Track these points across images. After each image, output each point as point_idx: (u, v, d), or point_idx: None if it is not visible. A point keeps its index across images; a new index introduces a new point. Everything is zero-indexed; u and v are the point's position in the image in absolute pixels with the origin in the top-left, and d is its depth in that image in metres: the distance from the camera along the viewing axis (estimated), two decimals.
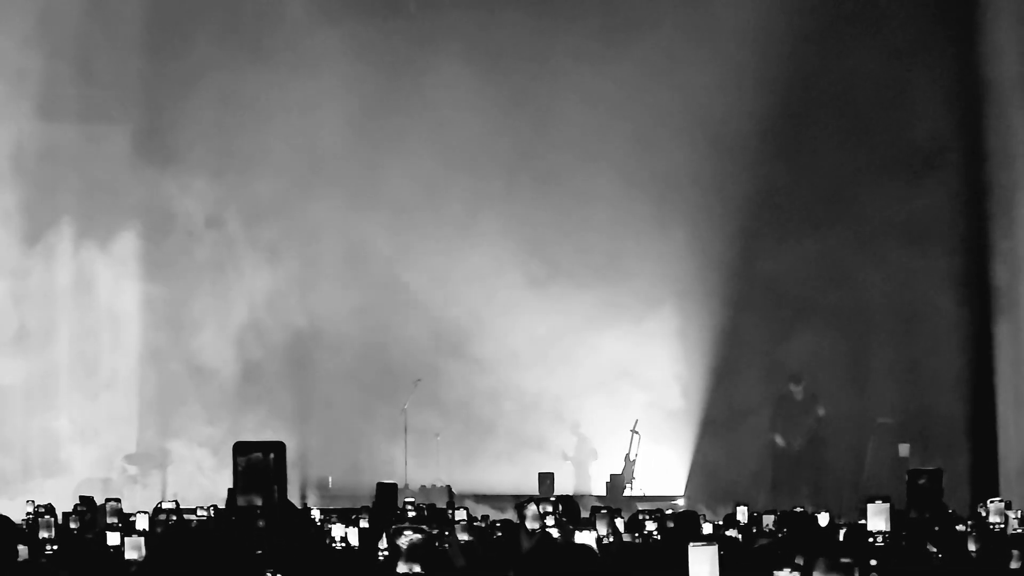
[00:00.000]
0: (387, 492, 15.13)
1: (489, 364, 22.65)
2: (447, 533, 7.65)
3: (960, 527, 11.29)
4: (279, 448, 8.53)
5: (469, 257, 22.62)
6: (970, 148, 22.16)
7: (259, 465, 8.40)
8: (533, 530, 9.75)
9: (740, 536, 11.95)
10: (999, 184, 21.74)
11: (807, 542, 10.42)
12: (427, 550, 7.64)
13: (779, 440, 22.18)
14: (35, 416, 22.56)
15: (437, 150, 22.62)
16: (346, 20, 22.37)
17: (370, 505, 14.64)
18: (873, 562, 9.46)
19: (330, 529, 11.33)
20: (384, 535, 10.05)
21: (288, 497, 8.78)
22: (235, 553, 8.33)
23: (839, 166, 22.64)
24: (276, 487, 8.46)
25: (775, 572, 6.31)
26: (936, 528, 10.33)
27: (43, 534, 9.69)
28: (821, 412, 22.18)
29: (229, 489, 8.51)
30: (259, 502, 8.34)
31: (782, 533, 11.78)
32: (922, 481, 10.55)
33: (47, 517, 10.38)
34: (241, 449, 8.48)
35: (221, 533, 8.53)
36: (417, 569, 7.53)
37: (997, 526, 11.18)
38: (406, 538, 7.61)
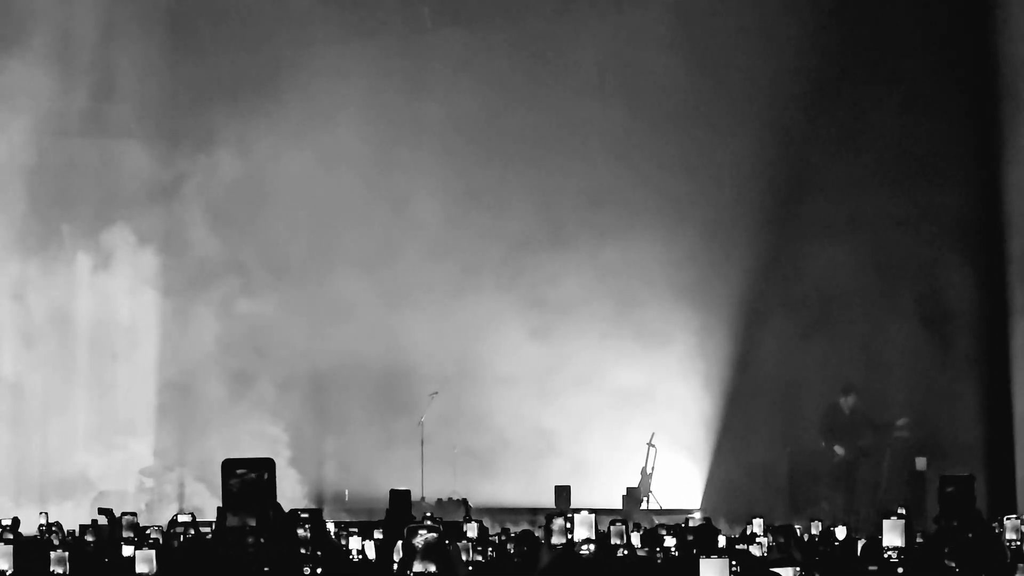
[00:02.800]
0: (401, 499, 14.81)
1: (499, 387, 22.72)
2: (447, 541, 7.66)
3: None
4: (270, 465, 8.43)
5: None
6: (989, 154, 22.12)
7: (250, 483, 8.29)
8: (555, 545, 9.70)
9: (758, 547, 11.87)
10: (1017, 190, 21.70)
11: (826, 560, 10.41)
12: (442, 549, 7.71)
13: (838, 450, 22.04)
14: (51, 428, 22.60)
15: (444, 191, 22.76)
16: (364, 39, 22.50)
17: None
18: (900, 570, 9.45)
19: (346, 544, 11.33)
20: (399, 541, 10.05)
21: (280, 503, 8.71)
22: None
23: (853, 177, 22.62)
24: (268, 506, 8.36)
25: (778, 571, 6.31)
26: (970, 535, 10.21)
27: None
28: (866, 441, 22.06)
29: (218, 508, 8.40)
30: (252, 522, 8.25)
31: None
32: (950, 489, 10.42)
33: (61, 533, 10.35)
34: (231, 467, 8.34)
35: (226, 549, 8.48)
36: (432, 568, 7.60)
37: (1014, 543, 11.11)
38: (421, 537, 7.68)
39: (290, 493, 20.96)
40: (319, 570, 9.36)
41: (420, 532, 7.70)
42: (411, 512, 14.76)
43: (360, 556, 11.06)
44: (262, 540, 8.31)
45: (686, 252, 22.82)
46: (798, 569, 9.77)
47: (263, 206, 22.85)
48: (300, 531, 9.48)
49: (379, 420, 22.74)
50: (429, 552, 7.64)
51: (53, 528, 14.32)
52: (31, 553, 10.40)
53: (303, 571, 9.25)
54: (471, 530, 12.47)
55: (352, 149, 22.56)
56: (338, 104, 22.47)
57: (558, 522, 9.88)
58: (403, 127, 22.86)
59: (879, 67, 22.48)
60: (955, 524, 10.11)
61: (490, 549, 12.39)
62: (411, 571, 7.64)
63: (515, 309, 22.85)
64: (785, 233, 22.62)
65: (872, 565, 10.12)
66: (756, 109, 22.30)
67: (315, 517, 9.78)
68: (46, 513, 15.16)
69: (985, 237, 22.28)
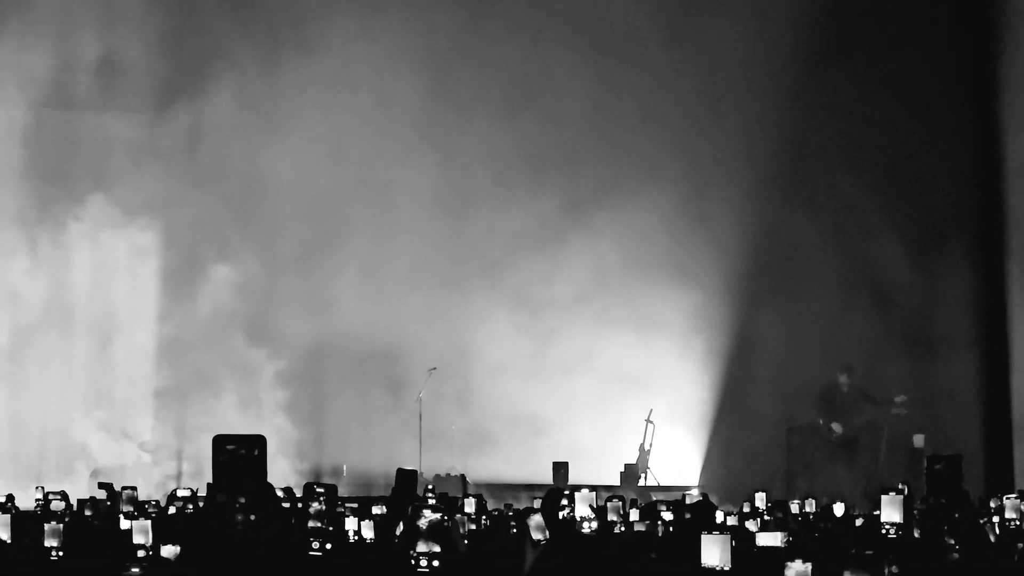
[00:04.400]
0: (407, 478, 14.76)
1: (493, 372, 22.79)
2: (445, 518, 7.76)
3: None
4: (261, 442, 8.46)
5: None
6: (986, 149, 22.15)
7: (241, 460, 8.30)
8: (538, 541, 9.69)
9: (754, 523, 11.89)
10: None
11: (823, 540, 10.42)
12: (445, 530, 7.81)
13: (836, 427, 22.04)
14: (50, 403, 22.61)
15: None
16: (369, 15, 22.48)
17: (387, 494, 14.52)
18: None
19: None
20: (401, 522, 10.06)
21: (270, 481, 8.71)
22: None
23: (844, 150, 22.64)
24: (259, 482, 8.38)
25: (787, 563, 6.32)
26: (956, 515, 10.26)
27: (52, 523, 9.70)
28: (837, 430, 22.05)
29: (209, 484, 8.43)
30: (242, 499, 8.27)
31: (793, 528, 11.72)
32: (938, 466, 10.47)
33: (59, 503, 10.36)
34: (221, 443, 8.37)
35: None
36: (436, 548, 7.71)
37: (1012, 522, 11.13)
38: (426, 518, 7.78)
39: (288, 469, 21.00)
40: (328, 545, 9.38)
41: (424, 513, 7.82)
42: (416, 492, 14.74)
43: (356, 537, 11.03)
44: (252, 517, 8.34)
45: (682, 231, 22.85)
46: (786, 535, 9.80)
47: (259, 183, 22.80)
48: (315, 504, 9.52)
49: (375, 398, 22.74)
50: (433, 532, 7.76)
51: (51, 496, 14.24)
52: (27, 525, 10.40)
53: (310, 545, 9.28)
54: (469, 505, 12.53)
55: (349, 129, 22.54)
56: (336, 83, 22.44)
57: (535, 519, 9.80)
58: (401, 107, 22.82)
59: (870, 41, 22.47)
60: (943, 502, 10.16)
61: (484, 517, 12.45)
62: (415, 551, 7.75)
63: (507, 300, 22.89)
64: (780, 210, 22.63)
65: (869, 548, 10.13)
66: (749, 81, 22.34)
67: (330, 492, 9.82)
68: (42, 487, 15.12)
69: (984, 225, 22.31)
